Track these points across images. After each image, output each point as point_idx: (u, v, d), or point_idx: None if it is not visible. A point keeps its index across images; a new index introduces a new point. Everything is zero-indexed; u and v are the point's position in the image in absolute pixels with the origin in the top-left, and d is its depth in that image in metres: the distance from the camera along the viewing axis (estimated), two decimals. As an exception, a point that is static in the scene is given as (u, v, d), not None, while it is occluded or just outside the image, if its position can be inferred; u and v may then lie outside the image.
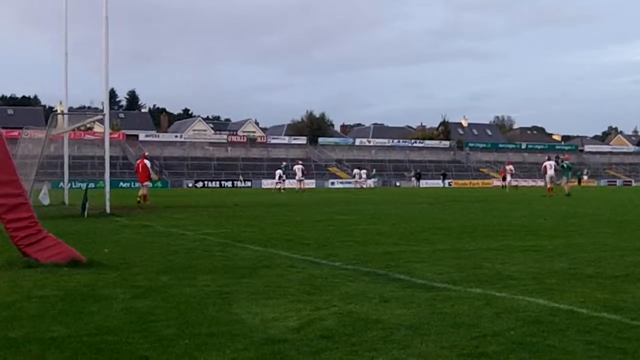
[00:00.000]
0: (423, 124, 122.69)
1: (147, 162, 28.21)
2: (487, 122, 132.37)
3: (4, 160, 9.07)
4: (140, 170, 27.92)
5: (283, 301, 6.34)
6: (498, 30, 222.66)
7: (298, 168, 48.86)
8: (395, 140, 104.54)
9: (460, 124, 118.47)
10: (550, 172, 37.81)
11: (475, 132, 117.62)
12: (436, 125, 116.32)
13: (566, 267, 8.69)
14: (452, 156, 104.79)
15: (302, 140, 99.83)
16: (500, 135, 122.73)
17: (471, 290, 6.92)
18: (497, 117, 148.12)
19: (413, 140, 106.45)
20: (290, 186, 53.27)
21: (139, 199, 27.00)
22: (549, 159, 40.23)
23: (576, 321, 5.50)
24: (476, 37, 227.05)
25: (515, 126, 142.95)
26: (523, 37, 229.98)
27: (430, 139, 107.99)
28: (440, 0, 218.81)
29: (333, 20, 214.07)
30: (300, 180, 49.77)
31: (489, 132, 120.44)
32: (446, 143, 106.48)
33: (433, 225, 15.95)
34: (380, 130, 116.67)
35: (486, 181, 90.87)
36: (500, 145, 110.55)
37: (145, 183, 27.92)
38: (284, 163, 59.17)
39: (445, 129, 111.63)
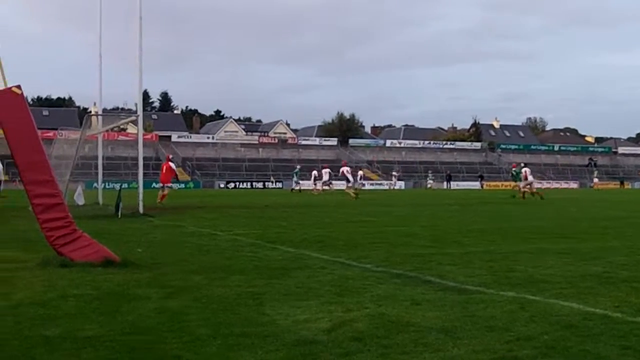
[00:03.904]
0: (454, 125, 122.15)
1: (171, 164, 28.81)
2: (519, 123, 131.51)
3: (41, 161, 9.20)
4: (164, 171, 28.51)
5: (314, 302, 6.35)
6: (532, 30, 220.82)
7: (326, 172, 48.78)
8: (426, 142, 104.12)
9: (492, 125, 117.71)
10: (530, 177, 38.65)
11: (507, 134, 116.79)
12: (468, 127, 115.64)
13: (600, 270, 8.60)
14: (484, 158, 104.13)
15: (333, 141, 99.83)
16: (533, 136, 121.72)
17: (504, 293, 6.87)
18: (530, 118, 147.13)
19: (444, 142, 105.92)
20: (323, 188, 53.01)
21: (160, 201, 27.44)
22: (526, 165, 41.20)
23: (611, 326, 5.44)
24: (510, 37, 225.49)
25: (548, 128, 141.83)
26: (557, 38, 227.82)
27: (462, 140, 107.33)
28: (475, 1, 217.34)
29: (366, 20, 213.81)
30: (328, 184, 49.70)
31: (521, 134, 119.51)
32: (477, 144, 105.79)
33: (464, 227, 15.86)
34: (411, 131, 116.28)
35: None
36: (533, 147, 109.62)
37: (167, 184, 28.69)
38: (298, 166, 59.10)
39: (477, 131, 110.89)
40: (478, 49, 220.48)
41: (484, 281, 7.67)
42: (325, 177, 49.30)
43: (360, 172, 68.01)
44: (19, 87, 9.39)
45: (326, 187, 48.33)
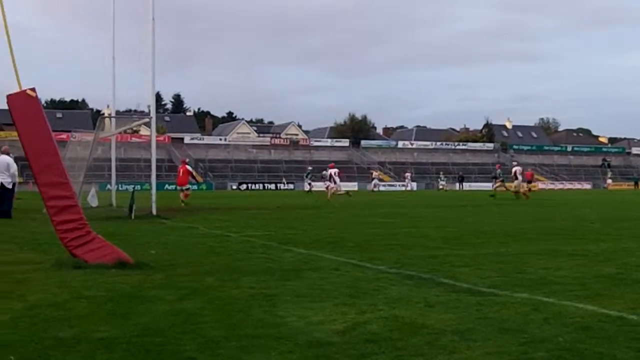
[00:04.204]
0: (466, 126, 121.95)
1: (188, 167, 29.46)
2: (532, 124, 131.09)
3: (55, 163, 9.25)
4: (181, 174, 29.18)
5: (328, 304, 6.35)
6: (545, 31, 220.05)
7: (334, 172, 48.65)
8: (438, 143, 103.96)
9: (505, 126, 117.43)
10: (520, 177, 39.41)
11: (520, 134, 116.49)
12: (480, 128, 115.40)
13: (614, 272, 8.56)
14: (496, 158, 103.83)
15: (345, 142, 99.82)
16: (545, 137, 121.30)
17: (517, 295, 6.85)
18: (542, 119, 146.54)
19: (456, 143, 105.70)
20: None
21: (183, 201, 27.73)
22: (517, 165, 42.01)
23: (626, 328, 5.41)
24: (522, 37, 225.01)
25: (561, 128, 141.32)
26: (570, 38, 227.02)
27: (474, 141, 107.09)
28: (487, 1, 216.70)
29: (378, 21, 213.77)
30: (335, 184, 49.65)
31: (534, 134, 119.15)
32: (490, 145, 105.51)
33: (476, 228, 15.83)
34: (423, 132, 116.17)
35: (532, 184, 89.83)
36: (546, 148, 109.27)
37: (186, 186, 29.31)
38: (310, 167, 59.00)
39: (489, 131, 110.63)
40: (490, 49, 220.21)
41: (497, 283, 7.65)
42: (336, 178, 49.26)
43: (375, 174, 67.97)
44: (33, 89, 9.44)
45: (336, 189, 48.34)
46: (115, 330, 5.30)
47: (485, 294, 6.91)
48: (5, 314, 5.92)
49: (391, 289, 7.24)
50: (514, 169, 40.15)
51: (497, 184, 42.73)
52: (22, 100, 9.39)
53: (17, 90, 9.47)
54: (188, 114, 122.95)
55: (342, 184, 51.08)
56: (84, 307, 6.26)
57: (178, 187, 30.09)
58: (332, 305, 6.28)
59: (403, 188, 74.30)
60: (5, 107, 9.62)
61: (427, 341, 4.99)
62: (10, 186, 20.20)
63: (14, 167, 20.64)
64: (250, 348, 4.79)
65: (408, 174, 75.31)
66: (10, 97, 9.40)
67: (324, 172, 50.54)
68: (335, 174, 37.85)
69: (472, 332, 5.26)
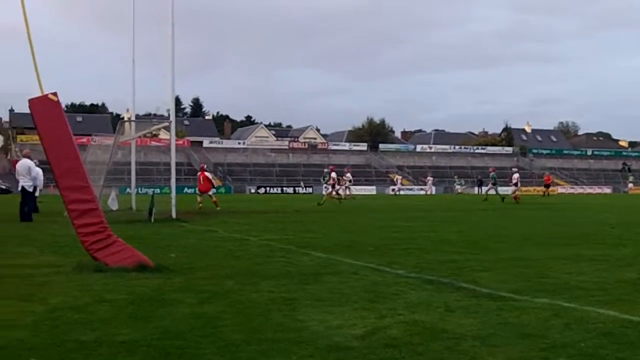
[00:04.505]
0: (485, 130, 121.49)
1: (207, 173, 29.67)
2: (551, 127, 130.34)
3: (76, 167, 9.31)
4: (202, 181, 29.26)
5: (347, 308, 6.35)
6: (564, 33, 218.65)
7: (335, 176, 48.32)
8: (457, 147, 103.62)
9: (524, 129, 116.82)
10: (518, 183, 39.86)
11: (539, 138, 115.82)
12: (499, 131, 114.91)
13: (635, 277, 8.50)
14: (515, 162, 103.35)
15: (363, 146, 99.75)
16: (565, 141, 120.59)
17: (538, 300, 6.81)
18: (562, 122, 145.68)
19: (475, 147, 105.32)
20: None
21: (214, 203, 28.52)
22: (517, 172, 42.47)
23: (648, 334, 5.37)
24: (542, 40, 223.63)
25: (581, 132, 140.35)
26: (590, 40, 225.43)
27: (493, 145, 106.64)
28: (505, 3, 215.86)
29: (396, 23, 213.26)
30: (347, 187, 49.46)
31: (554, 138, 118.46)
32: (509, 149, 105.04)
33: (496, 232, 15.77)
34: (441, 136, 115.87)
35: (551, 188, 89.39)
36: (565, 152, 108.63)
37: (208, 192, 29.53)
38: (326, 170, 58.59)
39: (508, 135, 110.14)
40: (509, 52, 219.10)
41: (517, 288, 7.61)
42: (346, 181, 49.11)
43: (398, 178, 67.80)
44: (55, 94, 9.51)
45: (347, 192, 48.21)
46: (136, 333, 5.33)
47: (505, 299, 6.88)
48: (27, 316, 5.96)
49: (411, 293, 7.22)
50: (514, 175, 40.36)
51: (489, 187, 42.91)
52: (44, 104, 9.46)
53: (39, 94, 9.54)
54: (207, 117, 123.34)
55: (360, 187, 51.08)
56: (105, 310, 6.30)
57: (200, 194, 30.07)
58: (351, 310, 6.28)
59: (423, 192, 74.23)
60: (27, 110, 9.69)
61: (447, 346, 4.98)
62: (31, 189, 20.37)
63: (35, 171, 20.80)
64: (270, 352, 4.80)
65: (429, 178, 75.16)
66: (32, 101, 9.47)
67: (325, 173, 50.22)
68: (334, 178, 37.74)
69: (493, 337, 5.24)
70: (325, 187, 40.63)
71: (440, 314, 6.14)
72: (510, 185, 40.71)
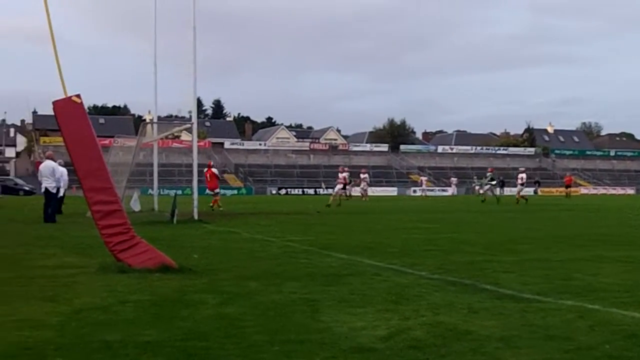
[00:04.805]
0: (507, 131, 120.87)
1: (214, 170, 29.20)
2: (573, 128, 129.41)
3: (100, 168, 9.38)
4: (209, 178, 28.83)
5: (370, 310, 6.34)
6: (586, 34, 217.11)
7: (363, 177, 48.24)
8: (479, 148, 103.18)
9: (546, 130, 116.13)
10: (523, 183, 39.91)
11: (562, 139, 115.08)
12: (521, 132, 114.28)
13: (661, 279, 8.43)
14: (538, 163, 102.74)
15: (384, 147, 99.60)
16: (588, 141, 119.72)
17: (562, 302, 6.77)
18: (584, 123, 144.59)
19: (497, 147, 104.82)
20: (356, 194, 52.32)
21: (219, 205, 27.96)
22: (524, 172, 42.32)
23: (674, 336, 5.32)
24: (563, 41, 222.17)
25: (603, 132, 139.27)
26: (612, 41, 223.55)
27: (515, 145, 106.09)
28: (526, 4, 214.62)
29: (418, 26, 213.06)
30: (364, 189, 49.15)
31: (576, 139, 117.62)
32: (531, 150, 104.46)
33: (519, 234, 15.68)
34: (462, 137, 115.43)
35: (574, 189, 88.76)
36: (588, 152, 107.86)
37: (216, 190, 29.09)
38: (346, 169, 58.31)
39: (530, 136, 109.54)
40: (531, 53, 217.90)
41: (541, 289, 7.56)
42: (363, 183, 48.95)
43: (423, 179, 67.58)
44: (78, 96, 9.59)
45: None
46: (160, 334, 5.36)
47: (529, 301, 6.85)
48: (53, 317, 6.01)
49: (434, 294, 7.20)
50: (520, 175, 40.11)
51: (487, 188, 42.42)
52: (68, 106, 9.53)
53: (62, 96, 9.62)
54: (228, 119, 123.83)
55: (381, 188, 50.96)
56: (130, 310, 6.33)
57: (208, 191, 29.74)
58: (374, 311, 6.27)
59: (445, 193, 74.00)
60: (51, 112, 9.77)
61: (471, 348, 4.96)
62: (54, 191, 20.53)
63: (59, 172, 20.96)
64: (293, 353, 4.80)
65: (453, 179, 74.78)
66: (56, 103, 9.55)
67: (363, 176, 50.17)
68: (346, 178, 37.42)
69: (517, 339, 5.21)
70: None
71: (463, 315, 6.12)
72: (517, 185, 40.47)
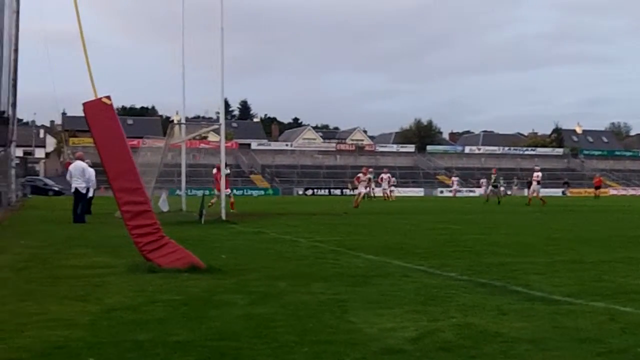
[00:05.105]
0: (535, 131, 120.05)
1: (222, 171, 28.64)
2: (602, 128, 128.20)
3: (130, 169, 9.45)
4: (219, 179, 28.42)
5: (399, 311, 6.33)
6: (614, 33, 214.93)
7: (360, 176, 47.77)
8: (506, 148, 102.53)
9: (574, 130, 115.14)
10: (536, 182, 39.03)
11: (590, 139, 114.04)
12: (548, 132, 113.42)
13: (693, 281, 8.32)
14: (566, 164, 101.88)
15: (411, 148, 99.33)
16: (617, 142, 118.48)
17: (593, 304, 6.71)
18: (613, 123, 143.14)
19: (524, 148, 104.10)
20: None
21: (212, 204, 27.41)
22: (539, 170, 41.05)
23: None
24: (591, 40, 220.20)
25: (633, 132, 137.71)
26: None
27: (543, 146, 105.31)
28: (555, 3, 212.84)
29: (445, 26, 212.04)
30: (385, 189, 48.80)
31: (605, 139, 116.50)
32: (559, 150, 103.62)
33: (548, 235, 15.55)
34: (490, 137, 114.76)
35: (602, 190, 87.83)
36: (617, 153, 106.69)
37: (227, 191, 28.41)
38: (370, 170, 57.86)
39: (559, 136, 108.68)
40: (559, 52, 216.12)
41: (571, 291, 7.50)
42: (385, 184, 48.73)
43: (454, 180, 67.29)
44: (108, 97, 9.67)
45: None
46: (190, 334, 5.38)
47: (559, 303, 6.79)
48: (85, 316, 6.07)
49: (463, 296, 7.17)
50: (536, 173, 39.52)
51: (491, 190, 41.77)
52: (98, 107, 9.62)
53: (92, 98, 9.71)
54: (255, 120, 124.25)
55: (408, 189, 50.73)
56: (159, 310, 6.37)
57: (216, 193, 29.05)
58: (403, 312, 6.26)
59: (472, 194, 73.62)
60: (79, 114, 9.87)
61: (501, 350, 4.93)
62: (84, 191, 20.72)
63: (89, 173, 21.15)
64: (323, 354, 4.81)
65: (483, 180, 74.08)
66: (86, 105, 9.64)
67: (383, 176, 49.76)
68: (371, 179, 37.11)
69: (548, 342, 5.17)
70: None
71: (493, 317, 6.08)
72: (533, 184, 39.75)
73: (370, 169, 41.33)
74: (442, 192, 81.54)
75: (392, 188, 50.43)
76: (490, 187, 42.32)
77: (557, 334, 5.42)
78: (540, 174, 39.76)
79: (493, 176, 41.78)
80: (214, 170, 27.56)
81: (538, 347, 5.00)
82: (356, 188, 36.82)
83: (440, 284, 8.06)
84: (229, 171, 27.88)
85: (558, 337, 5.31)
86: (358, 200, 34.33)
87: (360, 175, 36.44)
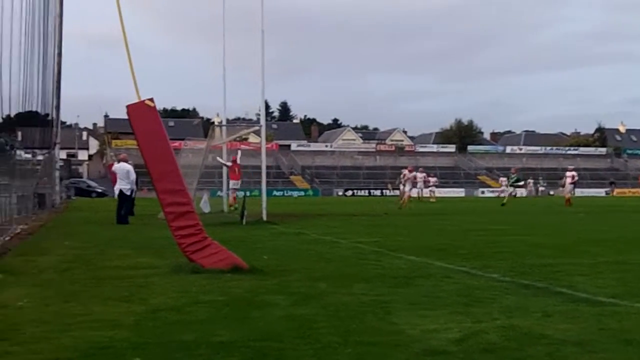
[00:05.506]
0: (577, 131, 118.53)
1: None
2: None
3: (173, 171, 9.54)
4: (237, 172, 28.40)
5: (442, 312, 6.30)
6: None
7: (406, 174, 47.00)
8: (548, 148, 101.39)
9: (618, 130, 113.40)
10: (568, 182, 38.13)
11: (634, 139, 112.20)
12: (591, 132, 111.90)
13: None
14: (610, 164, 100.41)
15: (451, 148, 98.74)
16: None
17: (638, 305, 6.61)
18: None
19: (567, 148, 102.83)
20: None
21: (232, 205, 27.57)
22: (573, 170, 40.37)
23: None
24: (635, 39, 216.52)
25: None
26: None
27: (585, 145, 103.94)
28: (599, 2, 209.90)
29: (487, 25, 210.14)
30: (421, 189, 48.11)
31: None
32: (602, 150, 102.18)
33: (592, 236, 15.35)
34: (531, 137, 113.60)
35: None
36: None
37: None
38: (415, 170, 57.16)
39: (602, 136, 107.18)
40: (602, 51, 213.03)
41: (616, 292, 7.40)
42: (420, 183, 48.12)
43: (503, 180, 66.61)
44: (152, 99, 9.76)
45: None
46: (233, 335, 5.41)
47: (605, 304, 6.70)
48: (129, 316, 6.14)
49: (506, 297, 7.11)
50: (570, 173, 38.64)
51: (509, 191, 40.41)
52: (141, 109, 9.72)
53: (136, 100, 9.81)
54: (294, 121, 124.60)
55: (449, 189, 50.22)
56: (203, 311, 6.42)
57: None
58: (446, 314, 6.23)
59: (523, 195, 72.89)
60: (121, 116, 9.99)
61: (547, 352, 4.88)
62: (128, 193, 20.97)
63: (133, 175, 21.39)
64: (367, 355, 4.80)
65: (530, 181, 73.20)
66: (130, 107, 9.74)
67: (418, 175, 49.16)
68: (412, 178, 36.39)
69: (594, 344, 5.10)
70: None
71: (537, 318, 6.02)
72: (566, 184, 39.02)
73: (414, 168, 40.91)
74: (483, 192, 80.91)
75: (432, 188, 50.07)
76: (508, 187, 41.34)
77: (603, 336, 5.35)
78: (574, 173, 38.91)
79: (513, 175, 40.87)
80: (229, 163, 27.72)
81: (584, 349, 4.94)
82: (397, 189, 36.37)
83: (483, 285, 8.00)
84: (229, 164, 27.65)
85: (604, 339, 5.24)
86: (404, 200, 33.88)
87: (405, 172, 35.75)
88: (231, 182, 28.14)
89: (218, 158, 27.78)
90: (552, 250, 12.10)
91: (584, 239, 14.59)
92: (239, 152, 29.40)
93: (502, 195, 39.35)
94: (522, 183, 40.80)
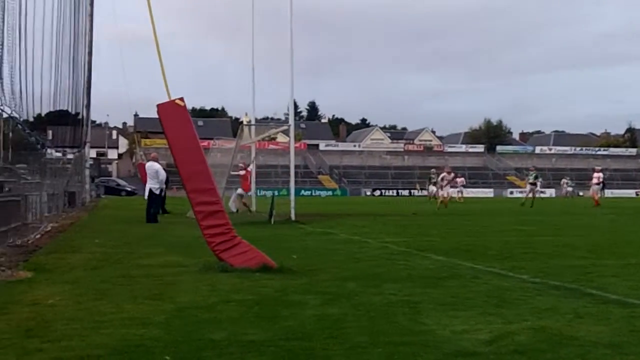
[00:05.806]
0: (607, 131, 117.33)
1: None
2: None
3: (203, 170, 9.60)
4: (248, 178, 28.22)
5: (472, 313, 6.27)
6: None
7: (445, 176, 46.18)
8: (578, 148, 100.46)
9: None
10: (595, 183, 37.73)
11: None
12: (622, 132, 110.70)
13: None
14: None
15: (480, 148, 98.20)
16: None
17: (672, 308, 6.54)
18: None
19: (596, 148, 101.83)
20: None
21: (245, 205, 27.03)
22: (600, 171, 39.92)
23: None
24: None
25: None
26: None
27: (616, 146, 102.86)
28: (634, 0, 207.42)
29: (516, 24, 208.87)
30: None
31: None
32: (632, 150, 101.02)
33: (622, 237, 15.19)
34: (561, 137, 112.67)
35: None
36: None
37: (248, 192, 28.16)
38: (433, 170, 56.55)
39: (632, 136, 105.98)
40: (633, 50, 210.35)
41: (649, 294, 7.32)
42: (444, 183, 47.45)
43: (565, 180, 65.79)
44: (182, 99, 9.83)
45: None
46: (263, 333, 5.44)
47: (636, 306, 6.64)
48: (159, 315, 6.18)
49: (537, 299, 7.06)
50: (597, 174, 38.27)
51: (529, 191, 39.49)
52: (172, 109, 9.79)
53: (166, 99, 9.88)
54: (323, 121, 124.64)
55: (477, 190, 49.67)
56: (233, 310, 6.45)
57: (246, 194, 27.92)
58: (476, 314, 6.20)
59: (543, 194, 72.23)
60: (151, 115, 10.08)
61: (578, 354, 4.84)
62: (157, 192, 21.13)
63: (162, 174, 21.54)
64: (396, 355, 4.80)
65: (565, 181, 72.31)
66: (160, 106, 9.82)
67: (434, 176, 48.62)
68: (443, 179, 36.02)
69: (626, 346, 5.06)
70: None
71: (568, 320, 5.98)
72: (592, 185, 38.69)
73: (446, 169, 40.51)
74: (511, 192, 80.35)
75: (460, 188, 49.72)
76: (529, 186, 40.68)
77: (635, 338, 5.30)
78: (600, 174, 38.48)
79: (532, 173, 40.22)
80: (242, 172, 26.53)
81: (616, 352, 4.90)
82: (425, 189, 36.18)
83: (513, 286, 7.95)
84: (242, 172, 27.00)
85: (636, 342, 5.20)
86: (444, 201, 33.60)
87: (444, 174, 35.41)
88: (239, 189, 27.62)
89: (232, 172, 27.29)
90: (583, 252, 11.99)
91: (614, 240, 14.45)
92: (253, 163, 29.11)
93: (528, 196, 38.72)
94: (538, 181, 40.09)
